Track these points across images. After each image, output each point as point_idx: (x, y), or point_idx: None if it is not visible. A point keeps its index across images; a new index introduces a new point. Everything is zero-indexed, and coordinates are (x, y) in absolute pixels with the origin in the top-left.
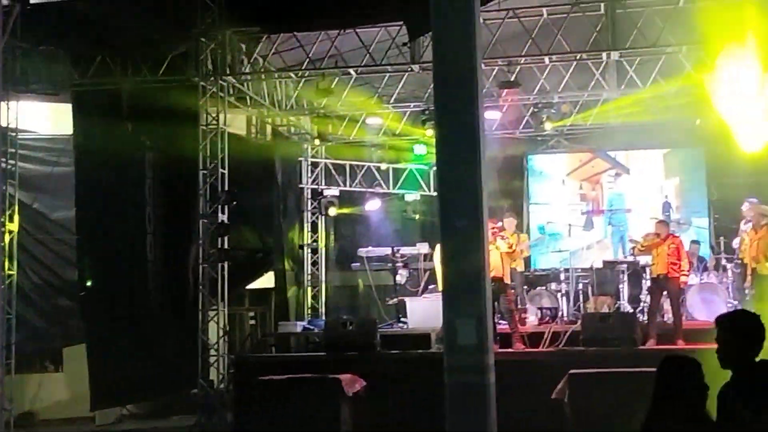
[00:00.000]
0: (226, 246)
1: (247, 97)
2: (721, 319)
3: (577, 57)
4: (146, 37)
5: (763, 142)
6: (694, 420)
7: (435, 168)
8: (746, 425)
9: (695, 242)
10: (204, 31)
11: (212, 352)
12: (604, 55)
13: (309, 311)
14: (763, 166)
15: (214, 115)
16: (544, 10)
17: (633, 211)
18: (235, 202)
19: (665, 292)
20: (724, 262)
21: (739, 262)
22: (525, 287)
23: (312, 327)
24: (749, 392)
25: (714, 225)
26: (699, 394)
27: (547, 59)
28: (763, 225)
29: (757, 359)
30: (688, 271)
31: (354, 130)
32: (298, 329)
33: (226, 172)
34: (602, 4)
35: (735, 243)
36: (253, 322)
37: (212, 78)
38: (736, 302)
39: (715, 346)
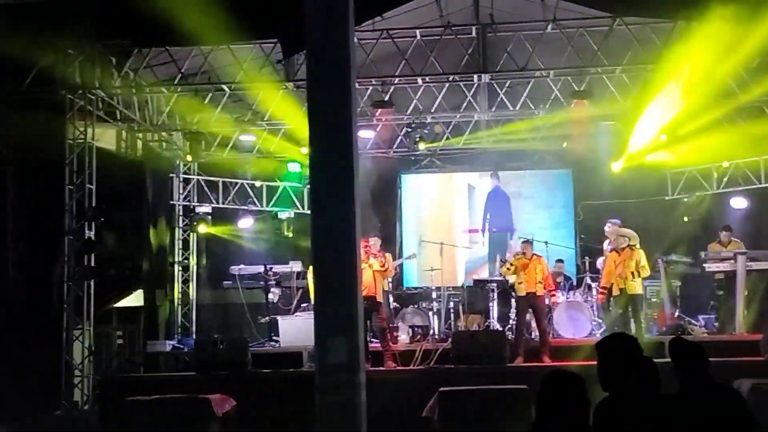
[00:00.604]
0: (92, 263)
1: (117, 112)
2: (601, 344)
3: (450, 78)
4: (10, 47)
5: (623, 164)
6: None
7: (308, 186)
8: None
9: (560, 261)
10: (72, 43)
11: (77, 372)
12: (475, 77)
13: (179, 330)
14: (627, 188)
15: (81, 129)
16: (418, 31)
17: (501, 230)
18: (102, 219)
19: (532, 310)
20: (588, 281)
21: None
22: (396, 305)
23: (182, 346)
24: (627, 411)
25: (580, 245)
26: (582, 409)
27: (420, 80)
28: (623, 247)
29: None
30: (555, 289)
31: (227, 147)
32: (168, 348)
33: (93, 187)
34: (474, 28)
35: (599, 263)
36: (121, 341)
37: (80, 91)
38: (600, 320)
39: (580, 363)
